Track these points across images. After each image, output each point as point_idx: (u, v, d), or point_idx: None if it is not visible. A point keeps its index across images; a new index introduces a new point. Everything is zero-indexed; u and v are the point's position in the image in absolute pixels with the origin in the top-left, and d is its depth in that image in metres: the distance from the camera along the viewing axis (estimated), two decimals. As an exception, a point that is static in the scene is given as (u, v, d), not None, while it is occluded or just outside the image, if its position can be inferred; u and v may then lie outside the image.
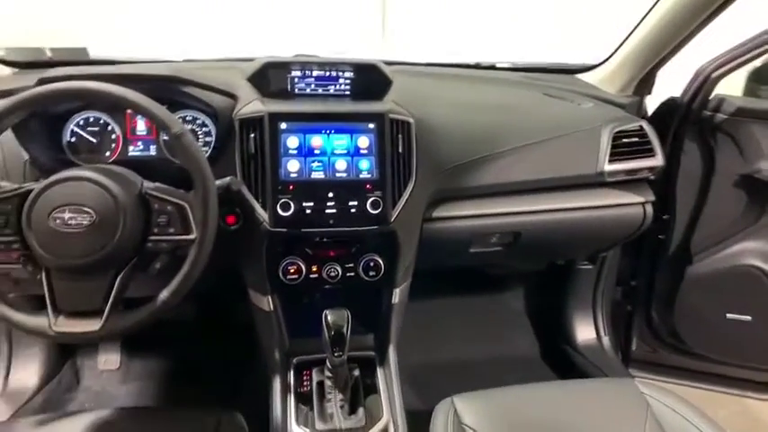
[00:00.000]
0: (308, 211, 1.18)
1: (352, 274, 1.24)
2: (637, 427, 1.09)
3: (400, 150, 1.23)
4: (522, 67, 1.81)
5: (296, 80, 1.39)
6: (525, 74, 1.75)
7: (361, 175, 1.21)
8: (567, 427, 1.10)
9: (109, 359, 1.78)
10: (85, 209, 0.93)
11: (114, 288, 0.96)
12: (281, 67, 1.36)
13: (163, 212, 0.98)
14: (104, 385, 1.75)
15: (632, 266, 1.87)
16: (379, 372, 1.26)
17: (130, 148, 1.28)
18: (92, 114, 1.26)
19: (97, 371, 1.77)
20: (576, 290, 1.94)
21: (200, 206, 0.97)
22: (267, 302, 1.24)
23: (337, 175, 1.20)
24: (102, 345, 1.80)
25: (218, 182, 1.04)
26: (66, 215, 0.93)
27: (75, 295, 0.96)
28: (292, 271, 1.21)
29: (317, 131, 1.21)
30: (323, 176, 1.20)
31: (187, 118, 1.29)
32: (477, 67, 1.81)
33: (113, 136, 1.27)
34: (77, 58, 1.52)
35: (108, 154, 1.27)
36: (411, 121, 1.26)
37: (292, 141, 1.20)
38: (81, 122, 1.26)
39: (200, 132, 1.29)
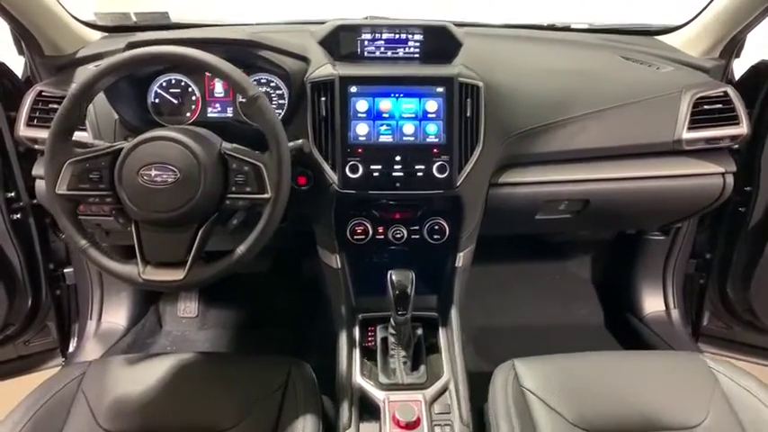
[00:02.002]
0: (375, 174, 1.21)
1: (417, 236, 1.27)
2: (701, 402, 1.07)
3: (468, 115, 1.23)
4: (599, 29, 1.73)
5: (366, 43, 1.40)
6: (602, 35, 1.67)
7: (428, 139, 1.22)
8: (628, 398, 1.10)
9: (188, 307, 1.92)
10: (170, 167, 0.99)
11: (196, 241, 1.03)
12: (352, 29, 1.37)
13: (240, 172, 1.03)
14: (183, 331, 1.89)
15: (709, 238, 1.79)
16: (441, 332, 1.29)
17: (209, 109, 1.35)
18: (174, 76, 1.33)
19: (177, 317, 1.91)
20: (645, 261, 1.88)
21: (274, 167, 1.02)
22: (335, 260, 1.29)
23: (405, 138, 1.22)
24: (181, 294, 1.93)
25: (290, 144, 1.08)
26: (153, 172, 0.99)
27: (161, 247, 1.03)
28: (359, 231, 1.25)
29: (386, 95, 1.23)
30: (391, 140, 1.22)
31: (262, 80, 1.33)
32: (551, 28, 1.75)
33: (193, 98, 1.34)
34: (159, 22, 1.59)
35: (188, 115, 1.34)
36: (480, 85, 1.24)
37: (362, 105, 1.22)
38: (164, 84, 1.33)
39: (273, 95, 1.33)
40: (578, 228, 1.76)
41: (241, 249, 1.03)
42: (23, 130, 1.28)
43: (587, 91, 1.38)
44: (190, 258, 1.02)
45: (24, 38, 1.32)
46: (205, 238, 1.04)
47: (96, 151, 1.03)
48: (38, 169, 1.31)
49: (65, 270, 1.76)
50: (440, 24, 1.35)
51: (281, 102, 1.33)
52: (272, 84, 1.33)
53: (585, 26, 1.76)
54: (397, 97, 1.23)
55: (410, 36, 1.39)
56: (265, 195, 1.02)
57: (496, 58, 1.38)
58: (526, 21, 1.76)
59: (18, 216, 1.57)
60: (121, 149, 1.03)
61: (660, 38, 1.69)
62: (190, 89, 1.33)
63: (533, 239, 2.00)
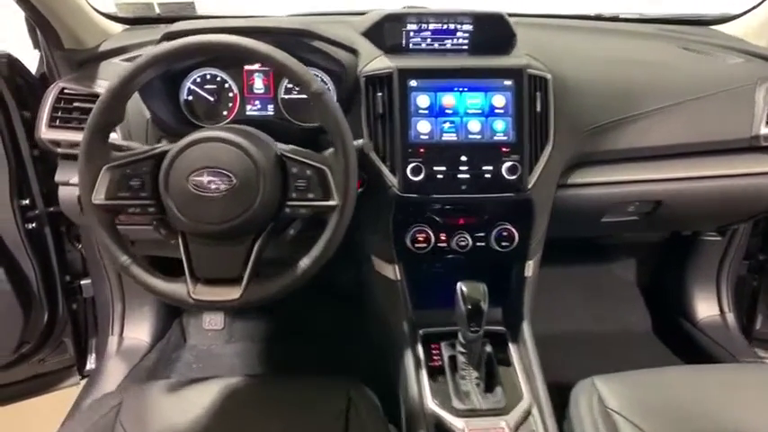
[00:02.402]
0: (439, 176, 1.10)
1: (483, 244, 1.16)
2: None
3: (538, 110, 1.13)
4: (651, 18, 1.63)
5: (411, 34, 1.30)
6: (655, 26, 1.57)
7: (495, 137, 1.11)
8: (722, 415, 1.00)
9: (213, 319, 1.79)
10: (225, 172, 0.88)
11: (252, 254, 0.92)
12: (397, 19, 1.26)
13: (301, 177, 0.92)
14: (209, 345, 1.77)
15: (763, 239, 1.70)
16: (513, 348, 1.18)
17: (248, 107, 1.23)
18: (209, 71, 1.21)
19: (202, 330, 1.79)
20: (699, 263, 1.78)
21: (341, 170, 0.91)
22: (393, 271, 1.18)
23: (470, 136, 1.11)
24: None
25: None
26: (205, 178, 0.88)
27: (214, 262, 0.92)
28: (421, 239, 1.14)
29: (449, 89, 1.12)
30: (455, 138, 1.11)
31: (307, 75, 1.22)
32: (598, 18, 1.64)
33: (230, 94, 1.22)
34: (184, 13, 1.47)
35: (225, 113, 1.23)
36: (548, 77, 1.14)
37: (423, 100, 1.11)
38: (198, 80, 1.22)
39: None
40: (645, 230, 1.66)
41: (305, 263, 0.92)
42: (45, 132, 1.16)
43: (655, 83, 1.28)
44: (246, 274, 0.91)
45: (43, 29, 1.19)
46: (261, 251, 0.93)
47: (137, 155, 0.91)
48: (62, 175, 1.19)
49: (81, 282, 1.63)
50: (493, 13, 1.25)
51: None
52: (318, 79, 1.22)
53: (635, 16, 1.66)
54: (462, 91, 1.12)
55: (459, 26, 1.29)
56: (332, 202, 0.91)
57: (554, 48, 1.27)
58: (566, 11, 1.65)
59: (33, 225, 1.44)
60: (165, 153, 0.91)
61: (716, 27, 1.59)
62: (227, 85, 1.22)
63: (576, 240, 1.90)
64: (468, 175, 1.10)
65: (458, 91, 1.12)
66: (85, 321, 1.70)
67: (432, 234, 1.14)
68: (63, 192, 1.19)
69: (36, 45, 1.31)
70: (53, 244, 1.53)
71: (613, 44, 1.44)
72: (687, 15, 1.65)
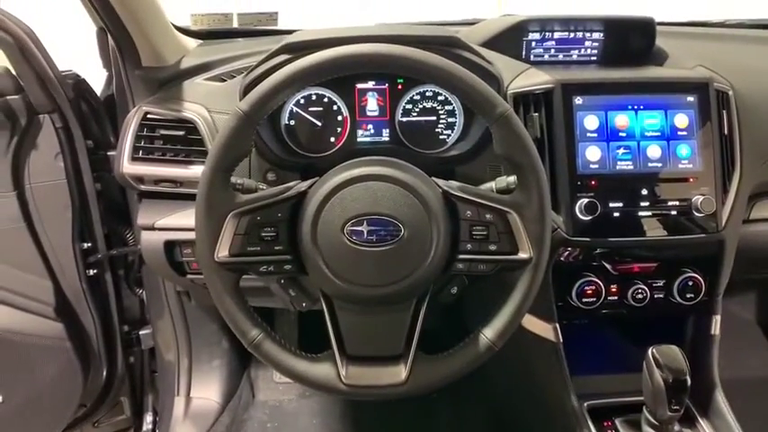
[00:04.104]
0: (615, 214, 0.90)
1: (662, 295, 0.95)
2: None
3: (726, 131, 0.93)
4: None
5: (533, 44, 1.13)
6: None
7: (680, 165, 0.92)
8: None
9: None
10: (391, 220, 0.68)
11: (417, 324, 0.71)
12: (517, 28, 1.08)
13: (479, 223, 0.71)
14: (281, 400, 1.55)
15: None
16: (705, 425, 0.96)
17: (359, 132, 1.04)
18: (315, 91, 1.02)
19: (273, 384, 1.57)
20: None
21: (533, 213, 0.70)
22: (554, 331, 0.97)
23: (650, 165, 0.91)
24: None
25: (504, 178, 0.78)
26: (365, 228, 0.68)
27: (370, 334, 0.72)
28: (589, 292, 0.93)
29: (622, 107, 0.92)
30: (632, 167, 0.91)
31: (427, 94, 1.02)
32: (722, 25, 1.45)
33: (339, 117, 1.03)
34: (267, 25, 1.28)
35: (332, 140, 1.03)
36: (730, 92, 0.95)
37: (591, 121, 0.92)
38: (302, 101, 1.02)
39: (441, 113, 1.03)
40: None
41: (489, 335, 0.71)
42: (128, 166, 0.96)
43: None
44: (412, 350, 0.70)
45: (123, 45, 1.00)
46: (425, 318, 0.73)
47: (269, 197, 0.72)
48: (146, 216, 0.99)
49: (140, 332, 1.42)
50: (636, 19, 1.08)
51: (450, 121, 1.03)
52: (439, 97, 1.02)
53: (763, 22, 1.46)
54: (637, 110, 0.92)
55: (587, 34, 1.12)
56: (522, 255, 0.70)
57: (722, 59, 1.07)
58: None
59: (95, 271, 1.24)
60: (304, 194, 0.71)
61: None
62: (335, 107, 1.02)
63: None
64: (649, 213, 0.90)
65: (632, 109, 0.92)
66: (141, 376, 1.49)
67: (602, 286, 0.93)
68: (148, 239, 0.99)
69: (107, 64, 1.12)
70: (113, 291, 1.32)
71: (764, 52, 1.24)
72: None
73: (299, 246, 0.71)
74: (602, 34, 1.13)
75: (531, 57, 1.14)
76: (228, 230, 0.70)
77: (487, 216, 0.71)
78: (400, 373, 0.70)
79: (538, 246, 0.70)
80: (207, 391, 1.42)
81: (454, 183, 0.74)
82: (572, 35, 1.14)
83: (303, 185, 0.73)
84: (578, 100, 0.91)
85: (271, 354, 0.71)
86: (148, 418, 1.49)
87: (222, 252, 0.70)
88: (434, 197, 0.70)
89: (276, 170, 0.96)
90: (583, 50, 1.15)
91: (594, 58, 1.14)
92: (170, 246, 0.98)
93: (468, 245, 0.72)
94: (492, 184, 0.78)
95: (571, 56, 1.15)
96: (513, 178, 0.74)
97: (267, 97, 0.69)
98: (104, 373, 1.33)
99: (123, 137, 0.97)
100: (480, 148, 0.96)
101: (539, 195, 0.70)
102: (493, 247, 0.71)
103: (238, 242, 0.70)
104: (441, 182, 0.74)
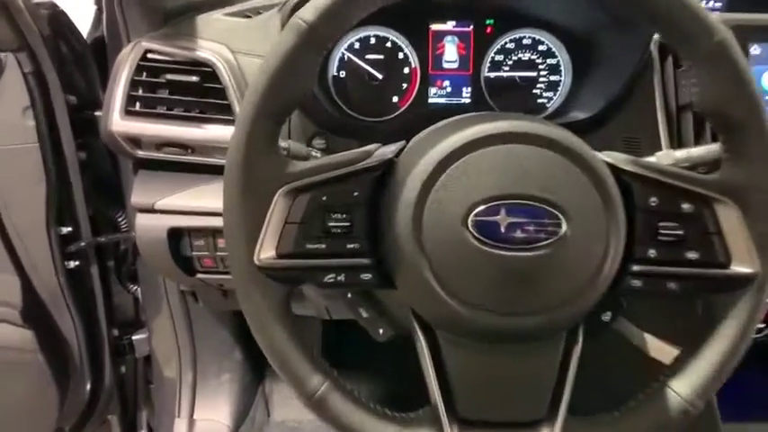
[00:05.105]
0: None
1: None
2: None
3: None
4: None
5: None
6: None
7: None
8: None
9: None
10: (548, 206, 0.42)
11: (569, 370, 0.45)
12: None
13: (670, 216, 0.45)
14: (300, 420, 1.29)
15: None
16: None
17: (432, 90, 0.78)
18: (374, 31, 0.76)
19: (290, 400, 1.31)
20: None
21: (765, 204, 0.44)
22: None
23: None
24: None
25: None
26: (503, 218, 0.42)
27: (496, 387, 0.46)
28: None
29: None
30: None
31: (524, 41, 0.77)
32: None
33: (406, 69, 0.77)
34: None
35: (395, 100, 0.77)
36: None
37: (774, 78, 0.65)
38: (356, 46, 0.76)
39: (542, 67, 0.77)
40: None
41: (684, 392, 0.45)
42: (119, 123, 0.69)
43: None
44: (560, 412, 0.44)
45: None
46: (578, 360, 0.47)
47: (342, 166, 0.45)
48: (143, 194, 0.72)
49: (133, 337, 1.16)
50: None
51: (552, 79, 0.77)
52: (540, 47, 0.77)
53: None
54: None
55: None
56: (742, 270, 0.44)
57: None
58: None
59: (77, 264, 0.97)
60: (390, 164, 0.45)
61: None
62: (401, 54, 0.76)
63: None
64: None
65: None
66: (135, 389, 1.23)
67: None
68: (145, 224, 0.72)
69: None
70: (101, 287, 1.06)
71: None
72: None
73: (383, 243, 0.45)
74: None
75: None
76: (277, 217, 0.44)
77: (684, 206, 0.45)
78: None
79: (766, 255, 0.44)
80: (214, 412, 1.15)
81: (624, 156, 0.48)
82: None
83: (387, 151, 0.47)
84: (755, 50, 0.65)
85: (341, 413, 0.45)
86: (140, 440, 1.23)
87: (266, 252, 0.44)
88: (609, 174, 0.44)
89: (327, 135, 0.70)
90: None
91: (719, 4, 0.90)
92: (175, 235, 0.72)
93: (651, 250, 0.45)
94: (674, 154, 0.52)
95: None
96: (715, 147, 0.48)
97: (344, 3, 0.42)
98: (88, 388, 1.07)
99: (114, 82, 0.69)
100: (607, 115, 0.70)
101: None
102: (692, 255, 0.45)
103: (292, 235, 0.44)
104: (607, 154, 0.48)
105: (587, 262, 0.42)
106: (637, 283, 0.46)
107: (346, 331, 1.26)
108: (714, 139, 0.66)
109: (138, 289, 1.12)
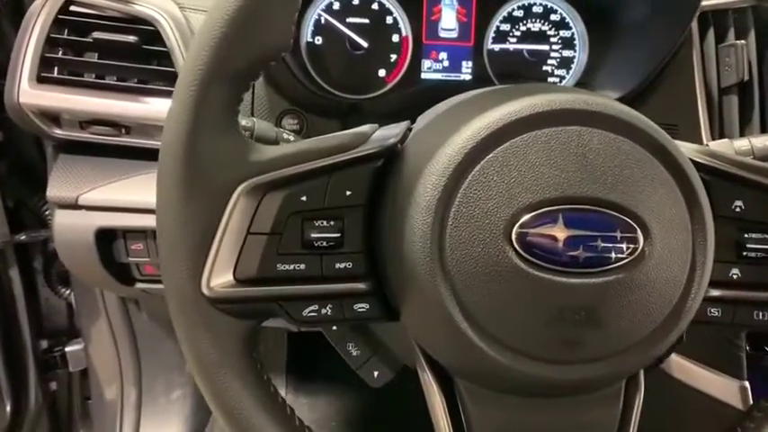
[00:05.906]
0: None
1: None
2: None
3: None
4: None
5: None
6: None
7: None
8: None
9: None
10: (624, 216, 0.29)
11: (631, 425, 0.34)
12: None
13: (760, 225, 0.34)
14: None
15: None
16: None
17: (425, 63, 0.66)
18: (355, -9, 0.63)
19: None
20: None
21: None
22: (741, 393, 0.62)
23: None
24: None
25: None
26: (560, 230, 0.29)
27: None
28: None
29: None
30: None
31: (534, 9, 0.65)
32: None
33: (395, 38, 0.64)
34: None
35: (382, 74, 0.65)
36: None
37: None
38: (335, 5, 0.63)
39: (554, 40, 0.66)
40: None
41: None
42: (29, 92, 0.53)
43: None
44: None
45: None
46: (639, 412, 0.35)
47: (328, 153, 0.32)
48: (60, 186, 0.57)
49: (67, 348, 1.00)
50: None
51: (565, 55, 0.66)
52: (552, 16, 0.66)
53: None
54: None
55: None
56: None
57: None
58: None
59: (-9, 265, 0.82)
60: (392, 150, 0.32)
61: None
62: (389, 19, 0.64)
63: None
64: None
65: None
66: (69, 408, 1.07)
67: None
68: (65, 223, 0.56)
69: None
70: (23, 291, 0.91)
71: None
72: None
73: (385, 261, 0.32)
74: None
75: None
76: (235, 225, 0.30)
77: None
78: None
79: None
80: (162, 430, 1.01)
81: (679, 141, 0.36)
82: None
83: (390, 134, 0.34)
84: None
85: None
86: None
87: (219, 276, 0.30)
88: (695, 172, 0.32)
89: (300, 113, 0.57)
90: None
91: None
92: (106, 237, 0.57)
93: (734, 269, 0.34)
94: (733, 144, 0.41)
95: None
96: None
97: None
98: (8, 410, 0.92)
99: (23, 40, 0.54)
100: (634, 99, 0.59)
101: None
102: None
103: (257, 252, 0.31)
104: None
105: (670, 290, 0.31)
106: (714, 312, 0.35)
107: (316, 337, 1.12)
108: (764, 128, 0.57)
109: (71, 293, 0.96)
